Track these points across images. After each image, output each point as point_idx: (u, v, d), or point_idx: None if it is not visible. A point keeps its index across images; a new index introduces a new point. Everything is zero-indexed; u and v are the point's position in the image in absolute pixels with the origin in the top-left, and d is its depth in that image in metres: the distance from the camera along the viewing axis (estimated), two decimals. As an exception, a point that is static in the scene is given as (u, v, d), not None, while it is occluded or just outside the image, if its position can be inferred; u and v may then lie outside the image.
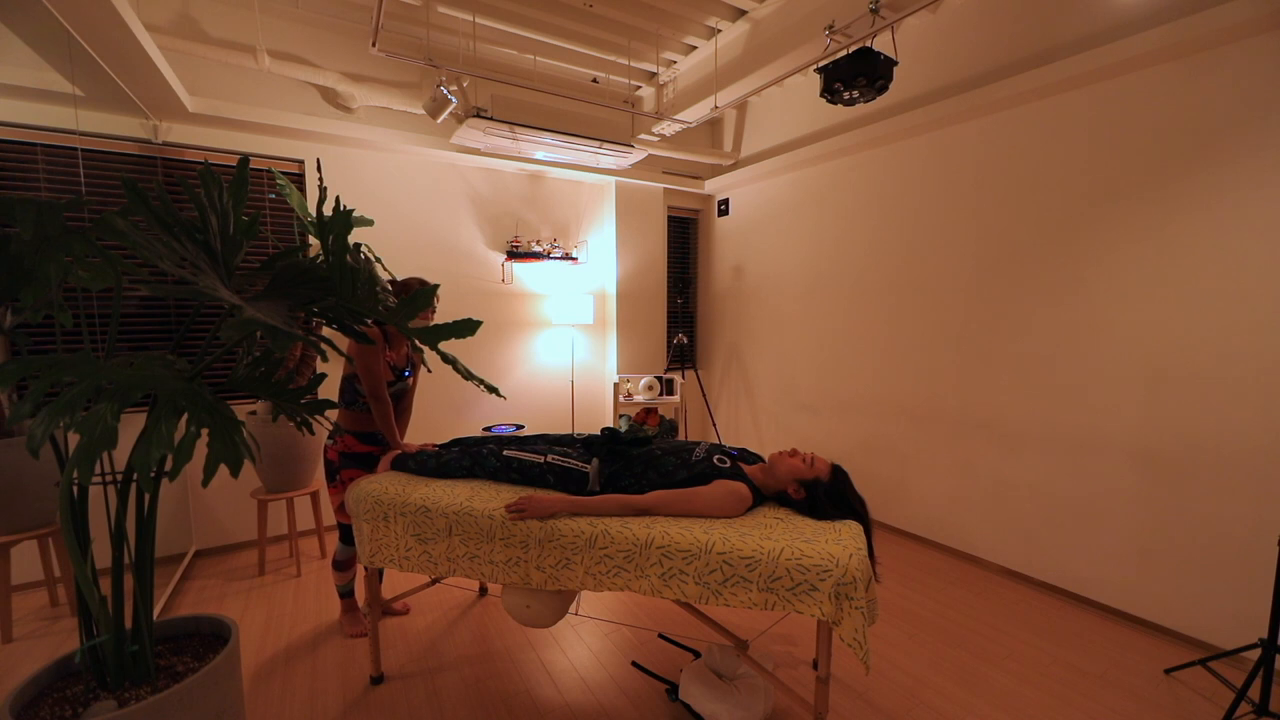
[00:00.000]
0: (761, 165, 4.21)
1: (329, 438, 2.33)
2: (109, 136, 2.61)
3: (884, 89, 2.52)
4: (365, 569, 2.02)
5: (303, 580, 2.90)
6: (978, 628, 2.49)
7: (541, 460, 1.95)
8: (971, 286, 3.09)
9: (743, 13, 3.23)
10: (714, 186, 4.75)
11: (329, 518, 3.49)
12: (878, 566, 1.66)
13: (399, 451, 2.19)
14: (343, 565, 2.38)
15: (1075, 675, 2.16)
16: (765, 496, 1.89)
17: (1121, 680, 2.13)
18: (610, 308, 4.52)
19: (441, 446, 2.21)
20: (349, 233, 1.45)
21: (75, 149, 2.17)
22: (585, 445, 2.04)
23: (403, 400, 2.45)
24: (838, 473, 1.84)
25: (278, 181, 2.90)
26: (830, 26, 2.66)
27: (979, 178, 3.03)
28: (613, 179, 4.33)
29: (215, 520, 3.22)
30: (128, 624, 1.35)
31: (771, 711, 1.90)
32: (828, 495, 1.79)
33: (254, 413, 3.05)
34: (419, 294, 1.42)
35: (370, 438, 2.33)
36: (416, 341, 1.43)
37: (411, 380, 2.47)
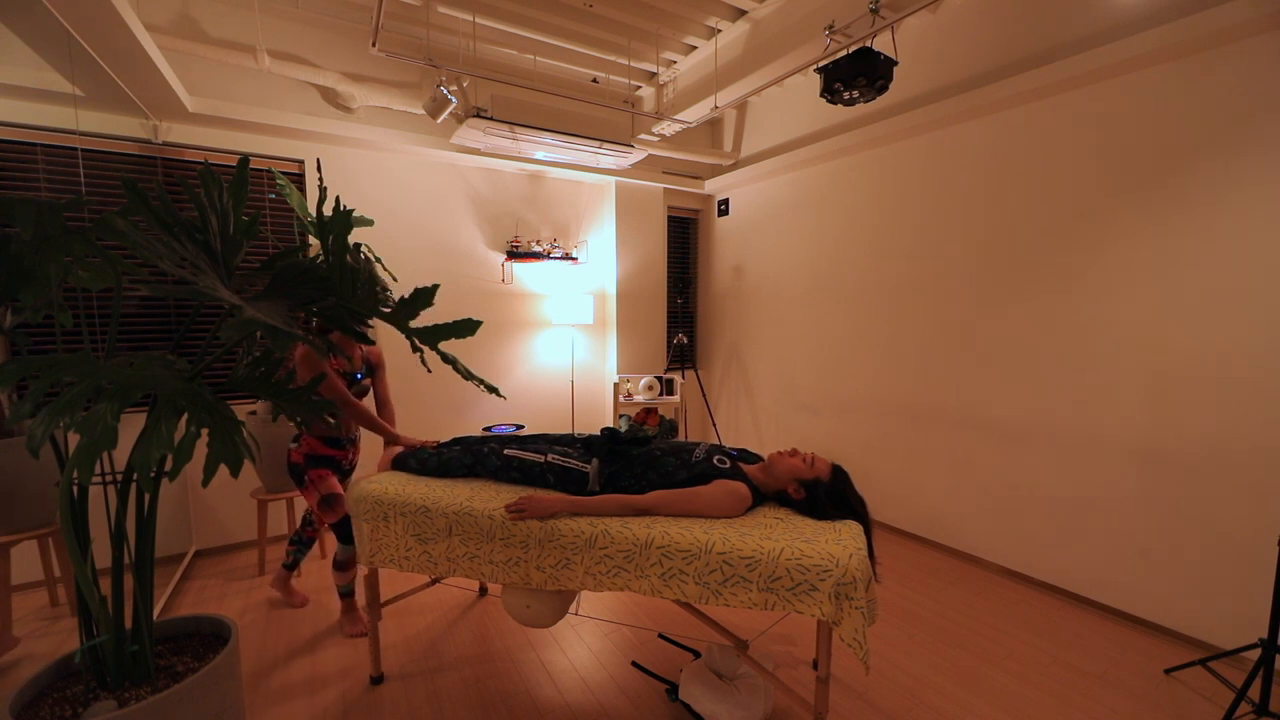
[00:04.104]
0: (761, 165, 4.21)
1: (292, 441, 2.36)
2: (109, 136, 2.61)
3: (884, 89, 2.52)
4: (366, 569, 2.02)
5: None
6: (978, 628, 2.49)
7: (542, 460, 1.95)
8: (972, 286, 3.09)
9: (743, 13, 3.23)
10: (714, 186, 4.75)
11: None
12: (878, 566, 1.65)
13: (400, 450, 2.19)
14: (344, 565, 2.38)
15: (1075, 675, 2.16)
16: (765, 496, 1.89)
17: (1121, 680, 2.13)
18: (610, 308, 4.52)
19: (442, 445, 2.21)
20: (349, 233, 1.45)
21: (75, 149, 2.17)
22: (585, 445, 2.04)
23: (370, 399, 2.47)
24: (838, 472, 1.84)
25: (278, 181, 2.90)
26: (830, 26, 2.66)
27: (979, 178, 3.03)
28: (613, 179, 4.33)
29: (215, 520, 3.22)
30: (128, 624, 1.35)
31: (771, 711, 1.90)
32: (828, 495, 1.78)
33: (254, 413, 3.05)
34: (419, 293, 1.42)
35: (333, 442, 2.36)
36: (416, 341, 1.43)
37: (368, 382, 2.50)
